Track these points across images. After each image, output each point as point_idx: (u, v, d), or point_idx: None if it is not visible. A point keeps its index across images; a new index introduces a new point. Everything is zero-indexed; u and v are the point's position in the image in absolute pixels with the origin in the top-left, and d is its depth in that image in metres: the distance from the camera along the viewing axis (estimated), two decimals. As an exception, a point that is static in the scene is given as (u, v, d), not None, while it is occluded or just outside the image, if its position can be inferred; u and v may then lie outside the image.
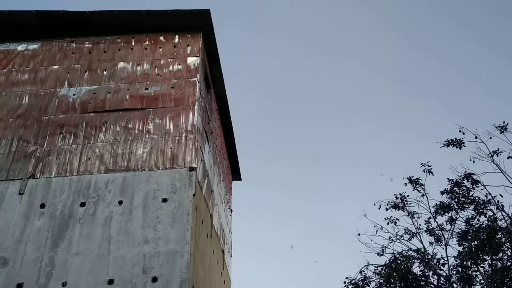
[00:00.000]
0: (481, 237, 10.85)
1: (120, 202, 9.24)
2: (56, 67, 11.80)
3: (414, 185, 12.78)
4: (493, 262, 11.10)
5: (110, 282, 8.28)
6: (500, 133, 11.44)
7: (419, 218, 12.86)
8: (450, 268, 11.81)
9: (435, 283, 11.83)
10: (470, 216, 11.82)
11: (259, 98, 50.75)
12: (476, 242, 10.98)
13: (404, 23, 47.66)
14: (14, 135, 10.52)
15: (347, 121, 48.80)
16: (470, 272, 11.42)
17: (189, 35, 12.28)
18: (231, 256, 16.44)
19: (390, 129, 47.97)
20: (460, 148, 11.95)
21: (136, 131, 10.39)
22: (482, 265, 11.26)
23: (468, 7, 44.83)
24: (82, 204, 9.27)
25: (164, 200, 9.22)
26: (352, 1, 47.87)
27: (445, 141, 12.08)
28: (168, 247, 8.58)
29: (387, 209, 12.98)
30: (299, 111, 49.72)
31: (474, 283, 11.35)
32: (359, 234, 13.10)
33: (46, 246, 8.77)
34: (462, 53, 45.45)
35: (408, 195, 12.98)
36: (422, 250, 12.24)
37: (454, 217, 12.16)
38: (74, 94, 11.17)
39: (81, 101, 11.03)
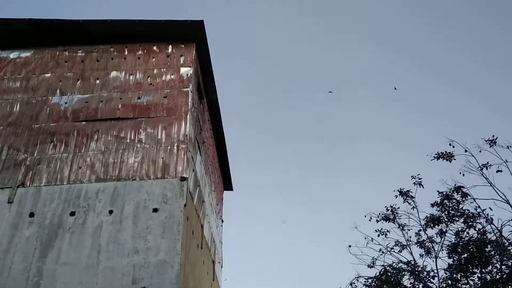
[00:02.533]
0: (471, 250, 10.89)
1: (111, 212, 9.19)
2: (48, 75, 11.76)
3: (405, 197, 12.81)
4: (483, 275, 11.14)
5: (99, 292, 8.20)
6: (490, 147, 11.55)
7: (409, 230, 12.89)
8: (440, 280, 11.82)
9: (425, 295, 11.83)
10: (460, 229, 11.87)
11: (252, 109, 50.89)
12: (465, 255, 11.01)
13: (395, 36, 48.17)
14: (4, 143, 10.44)
15: (339, 134, 49.07)
16: (460, 285, 11.43)
17: (183, 45, 12.32)
18: (222, 266, 16.35)
19: (381, 142, 48.22)
20: (450, 161, 12.03)
21: (128, 140, 10.36)
22: (471, 278, 11.28)
23: (460, 19, 45.45)
24: (72, 213, 9.21)
25: (155, 210, 9.18)
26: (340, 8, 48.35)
27: (435, 154, 12.16)
28: (158, 257, 8.53)
29: (377, 221, 12.99)
30: (291, 122, 49.90)
31: (463, 296, 11.37)
32: (349, 246, 13.08)
33: (34, 255, 8.69)
34: (452, 66, 45.96)
35: (398, 207, 13.01)
36: (412, 263, 12.26)
37: (444, 230, 12.20)
38: (66, 103, 11.13)
39: (72, 109, 10.99)
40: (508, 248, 11.07)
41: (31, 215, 9.23)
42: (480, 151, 11.58)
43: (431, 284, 11.92)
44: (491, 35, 44.42)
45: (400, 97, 48.68)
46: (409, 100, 47.25)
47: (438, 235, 12.36)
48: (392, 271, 11.93)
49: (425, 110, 47.25)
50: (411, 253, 12.58)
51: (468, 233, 11.67)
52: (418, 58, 47.73)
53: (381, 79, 48.17)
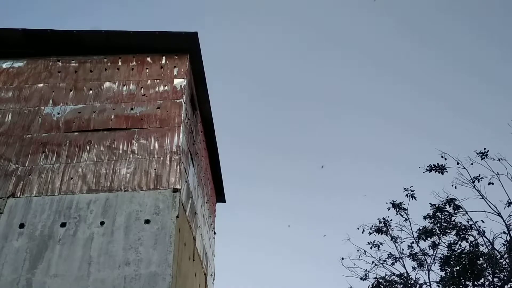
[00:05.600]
0: (463, 262, 10.91)
1: (102, 223, 9.10)
2: (41, 85, 11.72)
3: (397, 209, 12.85)
4: (475, 287, 11.14)
5: (89, 305, 8.08)
6: (481, 159, 11.65)
7: (402, 242, 12.91)
8: (433, 293, 11.81)
9: (418, 308, 11.79)
10: (452, 241, 11.90)
11: (245, 121, 50.96)
12: (458, 268, 11.03)
13: (383, 54, 48.63)
14: (-5, 153, 10.34)
15: (332, 151, 49.22)
16: (452, 297, 11.42)
17: (176, 57, 12.34)
18: (214, 279, 16.21)
19: (374, 159, 48.34)
20: (442, 174, 12.10)
21: (120, 151, 10.31)
22: (464, 290, 11.29)
23: (451, 38, 46.01)
24: (63, 225, 9.10)
25: (147, 221, 9.10)
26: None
27: (427, 167, 12.23)
28: (150, 269, 8.44)
29: (370, 233, 13.00)
30: (283, 137, 50.00)
31: (456, 309, 11.34)
32: (342, 258, 13.07)
33: (24, 267, 8.55)
34: (443, 81, 46.42)
35: (391, 220, 13.04)
36: (405, 275, 12.24)
37: (436, 242, 12.22)
38: (58, 113, 11.08)
39: (65, 120, 10.94)
40: (500, 260, 11.10)
41: (21, 226, 9.11)
42: (472, 164, 11.69)
43: (423, 297, 11.90)
44: (480, 52, 45.01)
45: (391, 115, 49.01)
46: (401, 118, 47.61)
47: (430, 248, 12.39)
48: (385, 283, 11.91)
49: (417, 128, 47.58)
50: (404, 266, 12.60)
51: (460, 245, 11.71)
52: (405, 75, 48.17)
53: (373, 98, 48.53)
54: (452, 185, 11.92)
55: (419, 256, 12.58)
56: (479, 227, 11.56)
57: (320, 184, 48.17)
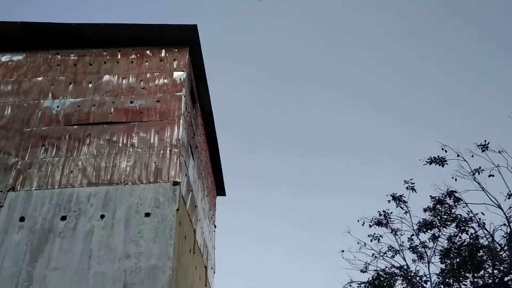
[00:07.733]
0: (463, 254, 10.91)
1: (102, 216, 9.11)
2: (40, 78, 11.69)
3: (398, 202, 12.82)
4: (475, 279, 11.16)
5: (90, 298, 8.10)
6: (482, 152, 11.60)
7: (402, 235, 12.89)
8: (433, 285, 11.81)
9: (418, 300, 11.82)
10: (452, 234, 11.89)
11: (245, 114, 50.91)
12: (458, 260, 11.03)
13: (388, 49, 48.48)
14: (-5, 146, 10.33)
15: (331, 146, 49.19)
16: (452, 289, 11.44)
17: (176, 50, 12.29)
18: (214, 272, 16.26)
19: (371, 156, 48.29)
20: (442, 166, 12.06)
21: (120, 145, 10.30)
22: (464, 282, 11.29)
23: (453, 36, 45.84)
24: (63, 218, 9.11)
25: (147, 214, 9.11)
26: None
27: (428, 159, 12.19)
28: (150, 262, 8.46)
29: (370, 226, 12.99)
30: (282, 132, 49.96)
31: (456, 301, 11.36)
32: (342, 251, 13.06)
33: (24, 260, 8.57)
34: (443, 77, 46.31)
35: (391, 212, 13.02)
36: (405, 267, 12.25)
37: (436, 235, 12.21)
38: (58, 106, 11.05)
39: (64, 113, 10.92)
40: (500, 252, 11.11)
41: (22, 219, 9.12)
42: (472, 156, 11.62)
43: (423, 289, 11.92)
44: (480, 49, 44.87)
45: (391, 112, 48.95)
46: (400, 114, 47.54)
47: (430, 240, 12.38)
48: (385, 276, 11.91)
49: (416, 125, 47.51)
50: (404, 258, 12.58)
51: (460, 237, 11.69)
52: (404, 71, 48.06)
53: (373, 94, 48.41)
54: (453, 178, 11.87)
55: (419, 249, 12.58)
56: (479, 219, 11.54)
57: (319, 181, 48.20)
